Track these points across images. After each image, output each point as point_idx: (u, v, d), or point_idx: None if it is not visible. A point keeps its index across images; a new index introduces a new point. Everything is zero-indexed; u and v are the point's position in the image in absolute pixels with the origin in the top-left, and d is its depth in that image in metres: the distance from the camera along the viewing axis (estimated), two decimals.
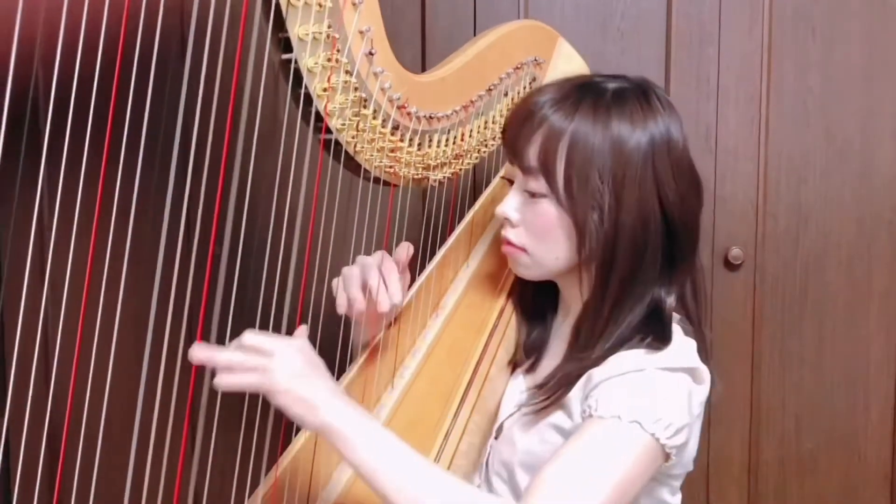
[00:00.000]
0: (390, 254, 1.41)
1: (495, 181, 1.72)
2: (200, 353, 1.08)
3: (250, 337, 1.11)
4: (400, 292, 1.39)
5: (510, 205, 1.35)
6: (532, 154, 1.29)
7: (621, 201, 1.25)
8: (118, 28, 1.01)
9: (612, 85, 1.31)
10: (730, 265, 2.10)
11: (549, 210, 1.29)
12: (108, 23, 1.00)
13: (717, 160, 2.08)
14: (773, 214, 2.11)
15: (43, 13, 0.98)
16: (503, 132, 1.38)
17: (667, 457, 1.19)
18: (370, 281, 1.37)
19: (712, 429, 2.13)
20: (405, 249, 1.43)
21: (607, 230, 1.26)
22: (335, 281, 1.42)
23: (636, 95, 1.30)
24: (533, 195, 1.31)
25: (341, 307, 1.39)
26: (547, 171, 1.27)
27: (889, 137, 2.09)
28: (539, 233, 1.32)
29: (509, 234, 1.36)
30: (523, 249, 1.35)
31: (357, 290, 1.38)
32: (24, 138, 1.12)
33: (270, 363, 1.08)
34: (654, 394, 1.19)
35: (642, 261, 1.27)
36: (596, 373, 1.23)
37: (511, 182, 1.39)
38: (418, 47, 2.02)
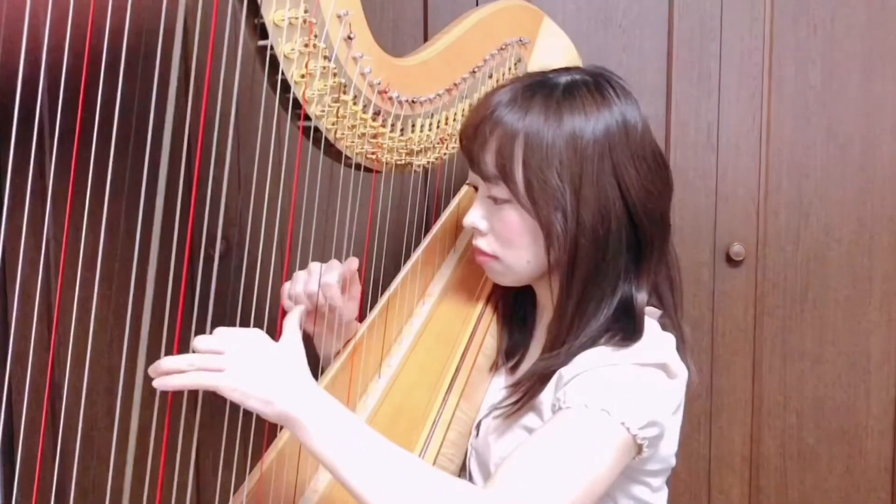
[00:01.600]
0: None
1: (463, 189, 1.70)
2: (153, 368, 1.07)
3: (201, 340, 1.09)
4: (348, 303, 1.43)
5: (476, 214, 1.35)
6: (490, 161, 1.29)
7: (581, 198, 1.24)
8: (86, 15, 1.01)
9: (563, 79, 1.31)
10: (731, 261, 2.11)
11: (513, 215, 1.29)
12: (77, 8, 1.00)
13: (719, 156, 2.09)
14: (774, 211, 2.11)
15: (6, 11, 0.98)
16: (460, 140, 1.37)
17: (639, 449, 1.18)
18: (310, 286, 1.39)
19: (713, 422, 2.13)
20: (348, 264, 1.43)
21: (571, 229, 1.25)
22: (283, 287, 1.43)
23: (587, 87, 1.29)
24: (496, 201, 1.31)
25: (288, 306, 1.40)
26: (506, 176, 1.27)
27: (890, 133, 2.09)
28: (506, 239, 1.32)
29: (479, 242, 1.36)
30: (494, 257, 1.35)
31: (299, 290, 1.40)
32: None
33: (220, 362, 1.07)
34: (624, 385, 1.19)
35: (605, 256, 1.27)
36: (565, 372, 1.24)
37: (476, 188, 1.38)
38: (420, 40, 2.03)
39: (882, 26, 2.07)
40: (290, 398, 1.08)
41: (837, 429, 2.16)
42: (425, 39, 2.02)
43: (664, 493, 1.36)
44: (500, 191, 1.29)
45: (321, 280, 1.39)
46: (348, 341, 1.46)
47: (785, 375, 2.15)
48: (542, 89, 1.29)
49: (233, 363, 1.07)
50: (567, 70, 1.35)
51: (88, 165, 1.10)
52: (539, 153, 1.25)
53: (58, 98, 1.02)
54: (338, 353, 1.46)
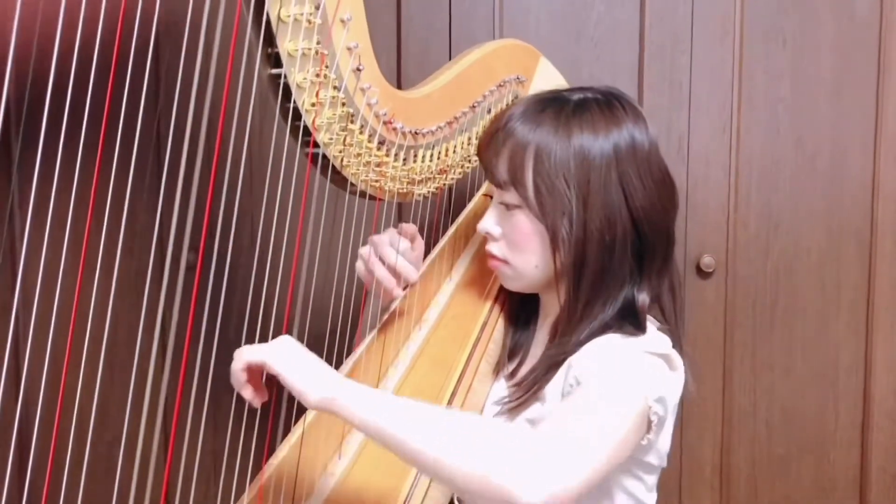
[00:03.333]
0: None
1: (476, 198, 1.75)
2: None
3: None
4: (414, 269, 1.48)
5: (489, 220, 1.41)
6: (502, 168, 1.35)
7: (587, 205, 1.29)
8: (112, 39, 1.01)
9: (575, 96, 1.36)
10: (702, 272, 2.12)
11: (523, 220, 1.35)
12: (102, 34, 1.00)
13: (689, 168, 2.10)
14: (744, 222, 2.13)
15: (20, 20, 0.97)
16: (477, 151, 1.43)
17: (649, 426, 1.22)
18: (388, 259, 1.45)
19: (684, 432, 2.15)
20: (409, 225, 1.52)
21: (577, 234, 1.30)
22: (359, 262, 1.50)
23: (598, 105, 1.34)
24: (508, 207, 1.36)
25: (367, 280, 1.49)
26: (517, 182, 1.33)
27: (858, 146, 2.12)
28: (516, 243, 1.37)
29: (492, 247, 1.41)
30: (505, 261, 1.40)
31: (383, 269, 1.46)
32: None
33: (270, 346, 1.14)
34: (639, 361, 1.25)
35: (611, 261, 1.32)
36: (574, 361, 1.28)
37: (491, 197, 1.43)
38: (394, 60, 2.02)
39: (851, 40, 2.09)
40: (332, 382, 1.11)
41: (807, 438, 2.19)
42: (399, 60, 2.03)
43: (655, 496, 1.39)
44: (512, 196, 1.35)
45: (399, 248, 1.47)
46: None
47: (755, 386, 2.17)
48: (554, 104, 1.35)
49: (280, 348, 1.13)
50: (581, 88, 1.40)
51: (106, 196, 1.10)
52: (548, 162, 1.30)
53: (82, 122, 1.03)
54: (385, 309, 1.55)
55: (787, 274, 2.15)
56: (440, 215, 1.64)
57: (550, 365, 1.33)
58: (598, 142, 1.30)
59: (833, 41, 2.10)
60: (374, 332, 1.52)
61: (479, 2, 2.03)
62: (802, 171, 2.12)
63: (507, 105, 1.65)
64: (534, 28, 2.03)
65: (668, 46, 2.08)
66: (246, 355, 1.13)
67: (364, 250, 1.49)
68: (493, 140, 1.37)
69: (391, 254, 1.45)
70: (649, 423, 1.22)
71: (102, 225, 1.11)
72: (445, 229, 1.69)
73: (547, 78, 1.75)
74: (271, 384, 1.17)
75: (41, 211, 1.07)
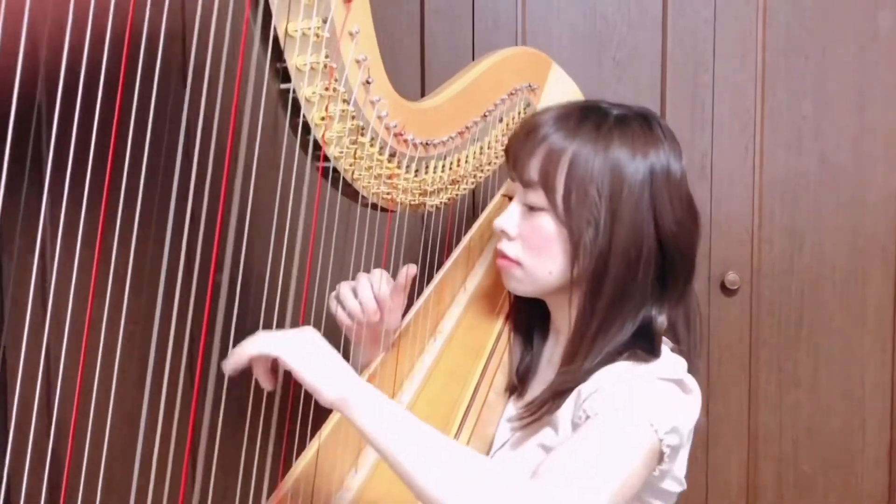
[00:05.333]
0: (393, 275, 1.43)
1: (494, 200, 1.73)
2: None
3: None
4: (393, 312, 1.42)
5: (508, 217, 1.36)
6: (533, 167, 1.31)
7: (617, 218, 1.26)
8: (119, 55, 1.01)
9: (615, 111, 1.33)
10: (726, 290, 2.13)
11: (547, 223, 1.31)
12: (109, 51, 1.01)
13: (713, 186, 2.11)
14: (768, 239, 2.14)
15: (46, 35, 0.99)
16: (507, 147, 1.39)
17: (661, 457, 1.19)
18: (362, 294, 1.40)
19: (710, 452, 2.15)
20: (406, 270, 1.43)
21: (601, 246, 1.27)
22: (332, 298, 1.44)
23: (639, 123, 1.32)
24: (532, 209, 1.32)
25: (343, 320, 1.42)
26: (547, 184, 1.29)
27: (881, 162, 2.12)
28: (535, 246, 1.33)
29: (505, 246, 1.37)
30: (517, 262, 1.35)
31: (354, 303, 1.40)
32: (27, 170, 1.12)
33: (289, 336, 1.10)
34: (649, 392, 1.21)
35: (634, 279, 1.28)
36: (584, 389, 1.24)
37: (510, 199, 1.40)
38: (417, 80, 2.05)
39: (873, 57, 2.10)
40: (348, 382, 1.08)
41: (833, 457, 2.18)
42: (423, 80, 2.06)
43: None
44: (538, 198, 1.31)
45: (375, 290, 1.40)
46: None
47: (781, 404, 2.17)
48: (594, 115, 1.32)
49: (299, 341, 1.09)
50: (618, 105, 1.37)
51: (117, 210, 1.10)
52: (583, 171, 1.27)
53: (89, 141, 1.02)
54: (366, 365, 1.49)
55: (811, 291, 2.15)
56: (453, 226, 1.64)
57: (560, 392, 1.29)
58: (635, 160, 1.28)
59: (855, 58, 2.10)
60: (389, 345, 1.49)
61: (501, 24, 2.07)
62: (826, 189, 2.13)
63: (519, 113, 1.64)
64: (556, 49, 2.06)
65: (691, 66, 2.10)
66: (261, 346, 1.09)
67: (342, 286, 1.44)
68: (528, 137, 1.33)
69: (365, 287, 1.41)
70: (661, 454, 1.19)
71: (129, 247, 1.10)
72: (458, 240, 1.67)
73: (560, 85, 1.73)
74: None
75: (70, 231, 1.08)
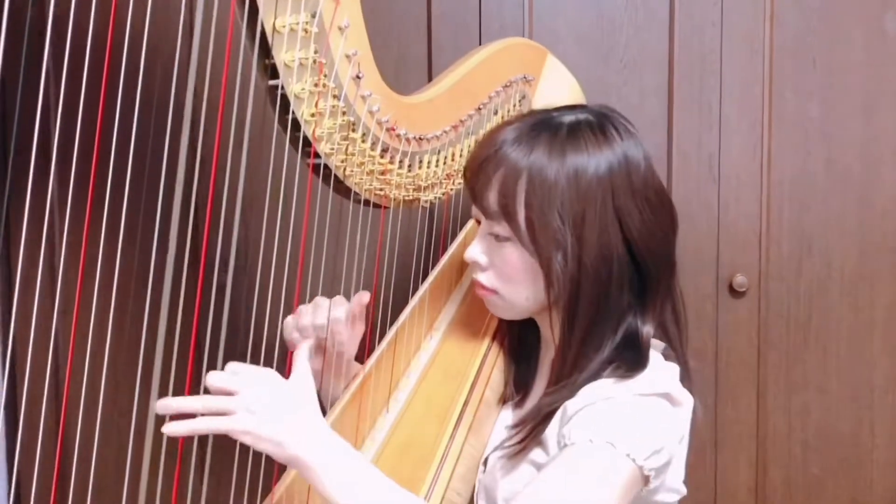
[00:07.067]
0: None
1: (468, 226, 1.71)
2: (164, 405, 1.06)
3: (213, 377, 1.09)
4: (351, 341, 1.43)
5: (477, 249, 1.35)
6: (492, 198, 1.29)
7: (582, 241, 1.25)
8: (103, 53, 1.03)
9: (567, 118, 1.31)
10: (735, 292, 2.12)
11: (514, 253, 1.30)
12: (92, 47, 1.02)
13: (721, 188, 2.11)
14: (776, 241, 2.13)
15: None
16: (464, 175, 1.37)
17: (646, 480, 1.18)
18: (317, 320, 1.39)
19: (718, 455, 2.14)
20: (359, 298, 1.42)
21: (571, 271, 1.25)
22: (287, 320, 1.42)
23: (591, 126, 1.29)
24: (498, 238, 1.31)
25: (291, 345, 1.40)
26: (508, 215, 1.27)
27: (889, 164, 2.11)
28: (507, 275, 1.32)
29: (479, 277, 1.36)
30: (494, 291, 1.35)
31: (306, 323, 1.39)
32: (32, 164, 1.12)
33: (232, 405, 1.07)
34: (627, 417, 1.19)
35: (607, 297, 1.27)
36: (570, 405, 1.24)
37: (479, 222, 1.38)
38: (424, 79, 2.05)
39: (881, 58, 2.10)
40: (300, 442, 1.08)
41: (843, 458, 2.17)
42: (429, 75, 2.05)
43: None
44: (502, 228, 1.29)
45: (329, 314, 1.39)
46: (355, 377, 1.46)
47: (789, 406, 2.16)
48: (546, 129, 1.29)
49: (245, 406, 1.07)
50: (571, 109, 1.35)
51: (103, 209, 1.10)
52: (542, 192, 1.25)
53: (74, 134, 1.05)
54: (336, 397, 1.47)
55: (820, 293, 2.14)
56: (448, 221, 1.63)
57: (546, 413, 1.28)
58: (592, 163, 1.25)
59: (863, 60, 2.10)
60: (385, 342, 1.49)
61: (508, 28, 2.08)
62: (834, 191, 2.12)
63: (514, 105, 1.62)
64: (562, 51, 2.04)
65: (698, 68, 2.10)
66: (224, 383, 1.08)
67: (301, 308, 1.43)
68: (482, 167, 1.30)
69: (321, 314, 1.40)
70: (646, 478, 1.18)
71: (116, 244, 1.11)
72: (454, 235, 1.67)
73: (555, 76, 1.71)
74: None
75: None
